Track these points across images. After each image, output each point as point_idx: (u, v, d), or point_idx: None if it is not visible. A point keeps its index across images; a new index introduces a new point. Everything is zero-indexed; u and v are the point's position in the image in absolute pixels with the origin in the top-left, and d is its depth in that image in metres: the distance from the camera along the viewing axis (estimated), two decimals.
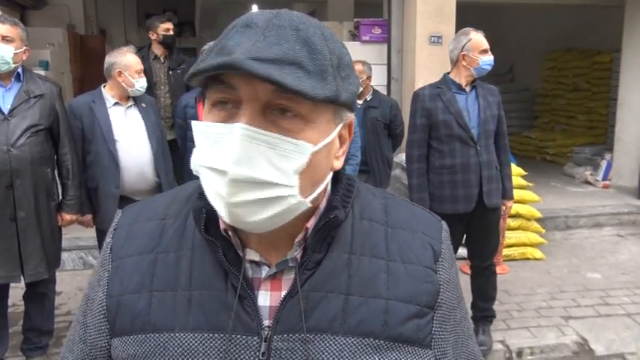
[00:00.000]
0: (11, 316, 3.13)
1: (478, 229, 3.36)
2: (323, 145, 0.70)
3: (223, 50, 0.66)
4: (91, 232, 3.44)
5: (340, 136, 0.75)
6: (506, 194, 3.34)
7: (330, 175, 0.76)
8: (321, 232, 0.75)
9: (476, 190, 3.18)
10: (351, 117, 0.76)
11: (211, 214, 0.76)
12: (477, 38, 3.20)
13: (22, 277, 2.84)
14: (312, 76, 0.66)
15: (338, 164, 0.76)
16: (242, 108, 0.67)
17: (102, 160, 3.12)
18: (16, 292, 3.17)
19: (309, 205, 0.71)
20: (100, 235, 3.36)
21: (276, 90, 0.65)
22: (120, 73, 3.12)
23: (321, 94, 0.65)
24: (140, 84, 3.16)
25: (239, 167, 0.65)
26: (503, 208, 3.39)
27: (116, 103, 3.20)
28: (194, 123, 0.70)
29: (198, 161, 0.69)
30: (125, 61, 3.14)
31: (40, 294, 3.04)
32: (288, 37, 0.66)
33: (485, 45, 3.20)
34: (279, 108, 0.67)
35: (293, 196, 0.68)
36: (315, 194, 0.72)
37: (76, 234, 4.22)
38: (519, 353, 3.37)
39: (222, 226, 0.76)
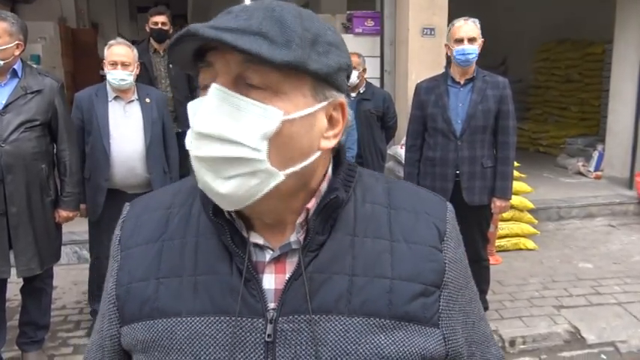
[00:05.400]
0: (7, 310, 3.12)
1: (462, 225, 3.36)
2: (297, 116, 0.70)
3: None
4: (86, 226, 3.43)
5: (331, 117, 0.75)
6: (496, 192, 3.18)
7: (317, 154, 0.74)
8: (323, 214, 0.76)
9: (451, 184, 3.14)
10: (339, 98, 0.75)
11: None
12: (456, 26, 3.09)
13: (13, 272, 2.83)
14: (276, 46, 0.67)
15: (327, 144, 0.75)
16: (216, 79, 0.70)
17: (96, 152, 3.17)
18: (11, 286, 3.17)
19: (283, 177, 0.70)
20: (90, 226, 3.36)
21: (245, 61, 0.68)
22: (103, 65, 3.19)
23: (278, 58, 0.66)
24: (112, 76, 3.13)
25: (206, 123, 0.68)
26: (493, 206, 3.22)
27: (116, 97, 3.21)
28: (190, 104, 0.73)
29: (187, 138, 0.72)
30: (105, 53, 3.20)
31: (38, 288, 3.04)
32: (260, 15, 0.69)
33: (460, 34, 3.04)
34: (248, 83, 0.69)
35: (260, 162, 0.69)
36: (294, 168, 0.71)
37: (71, 228, 4.20)
38: (512, 343, 3.40)
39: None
